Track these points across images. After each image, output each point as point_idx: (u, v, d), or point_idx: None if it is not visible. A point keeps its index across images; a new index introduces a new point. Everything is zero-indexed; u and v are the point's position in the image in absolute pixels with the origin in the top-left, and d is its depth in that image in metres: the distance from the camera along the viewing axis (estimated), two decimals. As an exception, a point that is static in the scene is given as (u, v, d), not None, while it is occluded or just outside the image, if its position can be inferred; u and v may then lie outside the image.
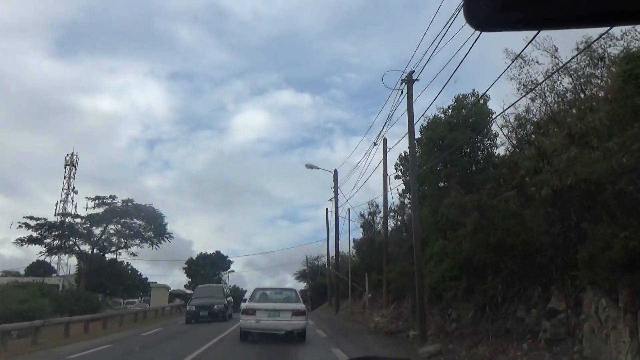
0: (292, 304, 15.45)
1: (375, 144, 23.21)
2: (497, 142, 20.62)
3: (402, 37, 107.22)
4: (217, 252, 74.33)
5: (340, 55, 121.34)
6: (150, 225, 37.76)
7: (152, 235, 38.36)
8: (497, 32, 1.53)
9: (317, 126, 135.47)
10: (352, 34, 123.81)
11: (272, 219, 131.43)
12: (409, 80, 16.55)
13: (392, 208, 29.19)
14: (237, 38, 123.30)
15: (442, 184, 19.84)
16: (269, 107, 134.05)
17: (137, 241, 38.84)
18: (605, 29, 10.77)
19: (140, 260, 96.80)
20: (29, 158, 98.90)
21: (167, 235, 39.24)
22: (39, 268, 55.98)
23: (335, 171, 36.63)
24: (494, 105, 19.83)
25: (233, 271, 74.31)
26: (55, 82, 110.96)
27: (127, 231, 37.43)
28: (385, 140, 23.73)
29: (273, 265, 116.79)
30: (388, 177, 24.08)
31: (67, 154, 59.72)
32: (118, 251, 40.30)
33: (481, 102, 19.28)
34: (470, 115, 19.75)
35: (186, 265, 70.96)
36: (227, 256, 73.63)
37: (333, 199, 36.38)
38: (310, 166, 36.47)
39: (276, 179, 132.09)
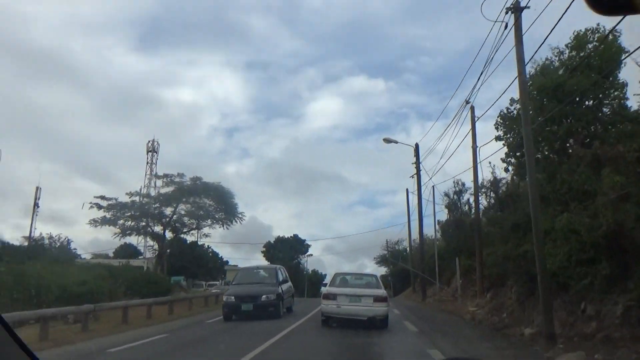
0: (374, 290, 14.93)
1: (467, 102, 19.61)
2: (626, 92, 16.33)
3: (476, 19, 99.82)
4: (295, 236, 73.48)
5: (413, 39, 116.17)
6: (220, 205, 36.25)
7: (223, 216, 36.86)
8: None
9: (392, 111, 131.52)
10: (425, 17, 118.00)
11: (349, 204, 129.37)
12: (517, 9, 12.87)
13: (484, 184, 25.53)
14: (308, 26, 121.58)
15: (558, 146, 15.91)
16: (342, 93, 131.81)
17: (209, 222, 37.52)
18: None
19: (222, 243, 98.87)
20: (118, 148, 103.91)
21: (239, 216, 37.63)
22: (126, 251, 57.61)
23: (417, 145, 33.69)
24: (627, 43, 15.39)
25: (312, 255, 73.39)
26: (138, 75, 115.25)
27: (199, 211, 36.13)
28: (472, 109, 21.73)
29: (352, 250, 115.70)
30: (478, 148, 22.20)
31: (149, 141, 61.73)
32: (190, 232, 39.28)
33: (609, 37, 15.01)
34: (593, 57, 15.57)
35: (264, 249, 70.58)
36: (305, 240, 72.71)
37: (415, 176, 33.24)
38: (388, 140, 33.52)
39: (352, 164, 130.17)
